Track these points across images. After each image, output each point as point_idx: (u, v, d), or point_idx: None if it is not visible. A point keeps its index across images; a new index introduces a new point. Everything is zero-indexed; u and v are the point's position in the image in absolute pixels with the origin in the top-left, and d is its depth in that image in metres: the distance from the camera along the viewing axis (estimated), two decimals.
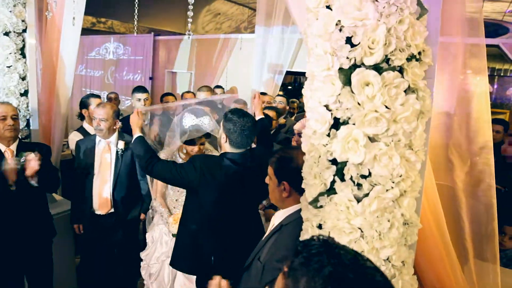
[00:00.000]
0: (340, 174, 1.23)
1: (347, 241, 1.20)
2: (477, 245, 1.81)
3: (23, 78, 3.09)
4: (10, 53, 2.98)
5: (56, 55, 3.47)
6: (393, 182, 1.20)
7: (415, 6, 1.19)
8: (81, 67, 8.14)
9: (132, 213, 3.11)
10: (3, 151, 2.56)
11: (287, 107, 4.89)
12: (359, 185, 1.21)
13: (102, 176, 2.99)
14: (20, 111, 3.05)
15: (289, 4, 1.87)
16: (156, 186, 2.86)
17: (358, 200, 1.20)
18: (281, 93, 5.50)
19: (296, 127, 3.31)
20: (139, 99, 3.89)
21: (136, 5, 3.50)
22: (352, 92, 1.18)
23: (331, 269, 0.70)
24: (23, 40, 3.09)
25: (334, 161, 1.24)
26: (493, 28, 7.16)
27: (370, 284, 0.70)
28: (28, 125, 3.17)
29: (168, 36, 7.90)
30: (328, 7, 1.24)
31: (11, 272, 2.60)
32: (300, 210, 1.44)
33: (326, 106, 1.24)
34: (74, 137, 3.45)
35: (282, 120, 4.48)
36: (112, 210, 3.02)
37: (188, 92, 5.48)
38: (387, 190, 1.20)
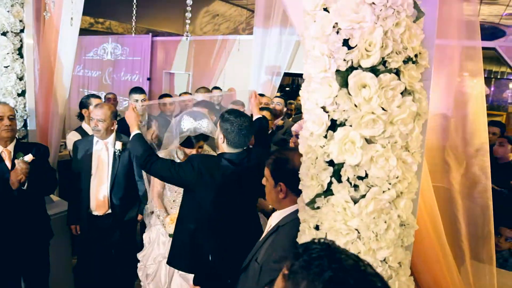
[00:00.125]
0: (337, 175, 1.24)
1: (344, 242, 1.21)
2: (473, 247, 1.82)
3: (21, 78, 3.09)
4: (8, 53, 2.98)
5: (54, 55, 3.47)
6: (390, 184, 1.21)
7: (412, 9, 1.20)
8: (78, 67, 8.12)
9: (130, 214, 3.10)
10: (0, 151, 2.56)
11: (285, 109, 4.90)
12: (356, 187, 1.21)
13: (99, 177, 2.98)
14: (17, 111, 3.04)
15: (286, 7, 1.88)
16: (153, 187, 2.86)
17: (355, 201, 1.21)
18: (278, 94, 5.52)
19: (294, 128, 3.32)
20: (137, 100, 3.89)
21: (134, 6, 3.51)
22: (349, 94, 1.19)
23: (332, 273, 0.70)
24: (21, 40, 3.09)
25: (331, 163, 1.25)
26: (490, 31, 7.20)
27: None
28: (25, 125, 3.16)
29: (166, 37, 7.90)
30: (325, 9, 1.25)
31: (8, 273, 2.59)
32: (296, 211, 1.45)
33: (323, 108, 1.25)
34: (73, 137, 3.45)
35: (279, 122, 4.49)
36: (109, 210, 3.02)
37: (186, 93, 5.48)
38: (383, 192, 1.21)
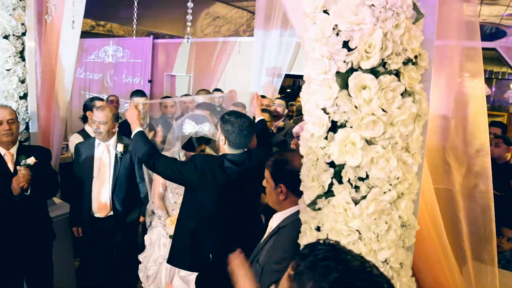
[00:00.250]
0: (337, 176, 1.24)
1: (345, 243, 1.21)
2: (475, 247, 1.82)
3: (22, 81, 3.10)
4: (10, 56, 3.00)
5: (56, 58, 3.49)
6: (391, 185, 1.22)
7: (411, 11, 1.20)
8: (80, 70, 8.14)
9: (131, 216, 3.11)
10: (2, 154, 2.57)
11: (286, 110, 4.91)
12: (356, 188, 1.22)
13: (101, 179, 2.99)
14: (19, 114, 3.06)
15: (286, 9, 1.89)
16: (155, 189, 2.87)
17: (356, 202, 1.21)
18: (278, 96, 5.52)
19: (295, 130, 3.33)
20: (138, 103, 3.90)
21: (135, 8, 3.52)
22: (349, 95, 1.19)
23: (338, 275, 0.69)
24: (23, 43, 3.10)
25: (331, 164, 1.26)
26: (491, 32, 7.20)
27: None
28: (27, 128, 3.18)
29: (167, 39, 7.91)
30: (325, 11, 1.25)
31: (11, 275, 2.60)
32: (297, 212, 1.45)
33: (324, 109, 1.25)
34: (75, 139, 3.48)
35: (280, 123, 4.50)
36: (111, 213, 3.03)
37: (187, 95, 5.50)
38: (384, 193, 1.21)
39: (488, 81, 8.47)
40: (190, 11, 2.68)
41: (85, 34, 8.07)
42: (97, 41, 8.07)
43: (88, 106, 3.73)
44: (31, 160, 2.45)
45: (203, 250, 2.22)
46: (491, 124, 4.19)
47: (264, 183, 1.66)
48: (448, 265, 1.65)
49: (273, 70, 5.35)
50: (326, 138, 1.25)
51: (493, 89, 8.79)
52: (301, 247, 1.35)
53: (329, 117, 1.24)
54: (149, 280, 2.68)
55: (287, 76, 5.68)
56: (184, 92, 6.78)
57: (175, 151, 2.78)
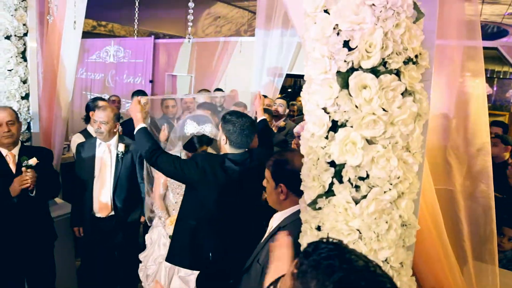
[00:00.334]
0: (338, 176, 1.24)
1: (345, 243, 1.21)
2: (475, 247, 1.82)
3: (24, 82, 3.11)
4: (11, 57, 3.00)
5: (57, 59, 3.50)
6: (391, 184, 1.22)
7: (412, 10, 1.20)
8: (81, 70, 8.16)
9: (132, 216, 3.12)
10: (4, 155, 2.57)
11: (287, 110, 4.91)
12: (357, 187, 1.22)
13: (102, 179, 3.00)
14: (21, 115, 3.07)
15: (287, 8, 1.89)
16: (156, 189, 2.87)
17: (356, 202, 1.22)
18: (279, 96, 5.52)
19: (296, 129, 3.34)
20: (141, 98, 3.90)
21: (137, 9, 3.52)
22: (350, 95, 1.19)
23: (342, 274, 0.69)
24: (24, 44, 3.11)
25: (332, 164, 1.26)
26: (492, 31, 7.18)
27: None
28: (28, 128, 3.19)
29: (168, 40, 7.92)
30: (325, 11, 1.25)
31: (13, 276, 2.60)
32: (297, 212, 1.45)
33: (324, 109, 1.25)
34: (77, 139, 3.51)
35: (281, 123, 4.50)
36: (112, 212, 3.04)
37: (187, 95, 5.51)
38: (385, 192, 1.21)
39: (490, 80, 8.46)
40: (191, 11, 2.69)
41: (86, 35, 8.09)
42: (99, 41, 8.09)
43: (90, 107, 3.74)
44: (33, 161, 2.45)
45: (203, 249, 2.23)
46: (492, 123, 4.18)
47: (264, 183, 1.66)
48: (448, 265, 1.65)
49: (274, 70, 5.35)
50: (326, 137, 1.26)
51: (495, 89, 8.78)
52: (302, 246, 1.35)
53: (329, 116, 1.24)
54: (148, 280, 2.69)
55: (288, 76, 5.69)
56: (185, 92, 6.80)
57: (177, 151, 2.79)
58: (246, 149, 2.24)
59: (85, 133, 3.67)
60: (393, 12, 1.17)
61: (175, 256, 2.34)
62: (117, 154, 3.01)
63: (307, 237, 1.33)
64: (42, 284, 2.80)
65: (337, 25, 1.22)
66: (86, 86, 8.19)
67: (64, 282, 3.21)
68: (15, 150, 2.61)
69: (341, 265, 0.71)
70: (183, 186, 2.55)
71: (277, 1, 5.01)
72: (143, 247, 2.96)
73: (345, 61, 1.20)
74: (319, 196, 1.28)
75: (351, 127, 1.20)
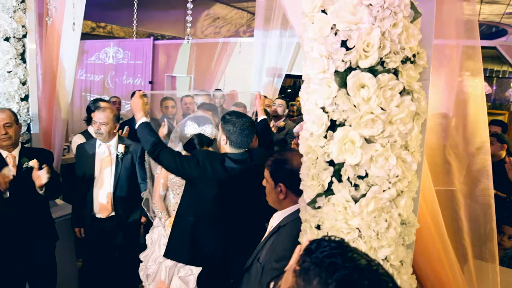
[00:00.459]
0: (337, 175, 1.25)
1: None
2: (476, 245, 1.82)
3: (24, 83, 3.11)
4: (11, 58, 3.01)
5: (56, 60, 3.50)
6: (390, 183, 1.22)
7: (409, 10, 1.21)
8: (81, 71, 8.17)
9: (133, 216, 3.12)
10: (4, 156, 2.57)
11: (286, 110, 4.92)
12: (356, 186, 1.22)
13: (102, 180, 3.00)
14: (20, 116, 3.07)
15: (286, 9, 1.89)
16: (156, 190, 2.88)
17: (356, 200, 1.22)
18: (277, 96, 5.53)
19: (296, 129, 3.34)
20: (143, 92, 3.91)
21: (135, 10, 3.53)
22: (348, 94, 1.20)
23: (345, 272, 0.69)
24: (24, 45, 3.12)
25: (331, 163, 1.26)
26: (491, 31, 7.19)
27: None
28: (28, 129, 3.19)
29: (168, 41, 7.94)
30: (323, 11, 1.26)
31: (14, 277, 2.60)
32: (297, 211, 1.46)
33: (323, 108, 1.26)
34: (78, 140, 3.52)
35: (281, 123, 4.50)
36: (113, 213, 3.04)
37: (187, 96, 5.51)
38: (384, 191, 1.22)
39: (489, 79, 8.47)
40: (190, 12, 2.69)
41: (85, 36, 8.10)
42: (98, 43, 8.10)
43: (91, 108, 3.75)
44: (34, 163, 2.45)
45: (201, 245, 2.23)
46: (491, 122, 4.19)
47: (264, 182, 1.66)
48: (449, 263, 1.65)
49: (273, 70, 5.36)
50: (325, 137, 1.26)
51: (494, 88, 8.79)
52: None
53: (328, 116, 1.25)
54: (149, 279, 2.69)
55: (287, 76, 5.70)
56: (185, 93, 6.80)
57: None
58: (246, 149, 2.25)
59: (86, 134, 3.68)
60: (390, 12, 1.17)
61: (173, 252, 2.35)
62: (117, 155, 3.01)
63: (307, 236, 1.33)
64: (44, 286, 2.80)
65: (334, 25, 1.22)
66: (85, 87, 8.21)
67: (65, 283, 3.21)
68: (15, 152, 2.61)
69: (344, 263, 0.71)
70: (183, 187, 2.55)
71: (275, 2, 5.02)
72: (143, 247, 2.96)
73: (343, 60, 1.20)
74: (319, 195, 1.28)
75: (350, 126, 1.20)
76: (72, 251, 3.43)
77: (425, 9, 1.30)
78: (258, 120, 2.78)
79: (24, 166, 2.43)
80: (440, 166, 1.86)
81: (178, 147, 2.75)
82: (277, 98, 4.97)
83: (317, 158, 1.29)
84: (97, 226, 3.03)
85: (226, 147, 2.22)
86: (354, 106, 1.19)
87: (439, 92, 1.98)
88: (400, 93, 1.21)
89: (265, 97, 4.78)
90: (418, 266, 1.59)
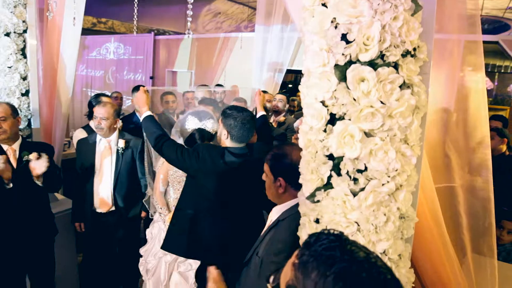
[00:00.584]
0: (336, 169, 1.25)
1: None
2: (474, 240, 1.82)
3: (24, 78, 3.12)
4: (11, 54, 3.01)
5: (57, 55, 3.50)
6: (389, 177, 1.22)
7: (410, 3, 1.20)
8: (82, 67, 8.17)
9: (133, 211, 3.13)
10: (5, 149, 2.58)
11: (287, 105, 4.91)
12: (355, 180, 1.22)
13: (102, 175, 3.01)
14: (21, 111, 3.08)
15: (287, 3, 1.89)
16: (156, 185, 2.88)
17: (355, 194, 1.22)
18: (278, 91, 5.52)
19: (296, 124, 3.34)
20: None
21: (136, 5, 3.52)
22: (348, 88, 1.20)
23: (344, 265, 0.70)
24: (24, 41, 3.12)
25: (330, 156, 1.26)
26: (493, 26, 7.15)
27: (383, 284, 0.69)
28: (29, 124, 3.20)
29: (169, 36, 7.92)
30: (323, 4, 1.25)
31: (13, 271, 2.61)
32: (296, 205, 1.46)
33: (322, 102, 1.26)
34: (80, 134, 3.53)
35: (281, 118, 4.50)
36: (113, 208, 3.05)
37: (189, 91, 5.51)
38: (383, 184, 1.21)
39: (491, 75, 8.44)
40: (190, 6, 2.69)
41: (86, 31, 8.09)
42: (99, 38, 8.09)
43: (93, 103, 3.75)
44: (34, 156, 2.46)
45: (200, 238, 2.25)
46: (492, 118, 4.18)
47: (263, 176, 1.67)
48: (447, 257, 1.66)
49: (274, 65, 5.35)
50: (325, 130, 1.26)
51: (496, 83, 8.76)
52: (301, 239, 1.36)
53: (327, 109, 1.24)
54: (148, 274, 2.70)
55: (288, 71, 5.69)
56: (185, 88, 6.80)
57: None
58: (246, 144, 2.26)
59: (87, 128, 3.68)
60: (390, 5, 1.17)
61: (171, 244, 2.36)
62: (117, 150, 3.02)
63: (305, 230, 1.33)
64: (43, 279, 2.82)
65: (335, 18, 1.21)
66: (86, 82, 8.21)
67: (66, 277, 3.23)
68: (16, 145, 2.62)
69: (343, 256, 0.71)
70: (183, 182, 2.56)
71: None
72: (144, 242, 2.97)
73: (343, 54, 1.20)
74: (318, 189, 1.28)
75: (349, 120, 1.20)
76: (73, 246, 3.45)
77: (426, 2, 1.29)
78: (258, 116, 2.79)
79: (24, 159, 2.44)
80: (440, 160, 1.86)
81: (179, 142, 2.75)
82: (278, 93, 4.96)
83: (317, 152, 1.29)
84: (98, 221, 3.05)
85: (226, 142, 2.23)
86: (354, 99, 1.19)
87: (440, 86, 1.98)
88: (400, 86, 1.21)
89: (266, 92, 4.79)
90: (417, 260, 1.59)
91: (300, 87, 1.39)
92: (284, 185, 1.56)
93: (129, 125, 3.82)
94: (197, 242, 2.26)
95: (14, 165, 2.55)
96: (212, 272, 1.66)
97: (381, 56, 1.19)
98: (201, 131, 2.63)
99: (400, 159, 1.22)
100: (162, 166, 2.81)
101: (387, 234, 1.22)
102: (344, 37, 1.20)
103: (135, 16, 3.58)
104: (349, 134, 1.20)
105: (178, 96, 4.68)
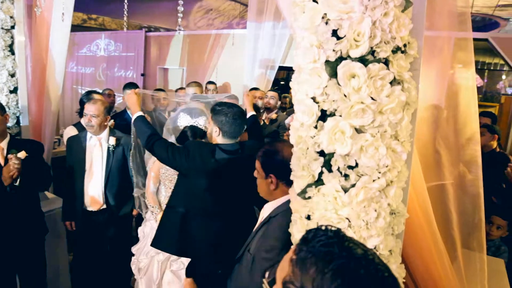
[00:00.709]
0: (327, 165, 1.24)
1: None
2: (464, 235, 1.84)
3: (13, 75, 3.07)
4: None
5: (46, 52, 3.45)
6: (380, 173, 1.22)
7: None
8: (72, 64, 8.07)
9: (124, 209, 3.11)
10: None
11: (279, 102, 4.91)
12: (346, 176, 1.22)
13: (93, 173, 2.98)
14: (9, 109, 3.03)
15: (278, 0, 1.88)
16: (148, 184, 2.86)
17: (346, 190, 1.22)
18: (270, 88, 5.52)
19: (287, 121, 3.34)
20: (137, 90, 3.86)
21: (126, 1, 3.49)
22: (339, 84, 1.19)
23: (342, 261, 0.70)
24: (12, 37, 3.07)
25: (321, 153, 1.26)
26: (483, 23, 7.22)
27: (380, 281, 0.70)
28: (18, 122, 3.15)
29: (160, 33, 7.86)
30: (314, 0, 1.25)
31: (3, 271, 2.58)
32: (288, 201, 1.46)
33: (313, 98, 1.25)
34: (70, 132, 3.49)
35: (273, 115, 4.50)
36: (104, 206, 3.03)
37: (181, 88, 5.48)
38: (373, 181, 1.22)
39: (481, 72, 8.53)
40: (181, 2, 2.68)
41: (76, 28, 8.00)
42: (89, 35, 8.00)
43: (84, 100, 3.70)
44: (22, 154, 2.43)
45: (191, 235, 2.24)
46: (481, 114, 4.22)
47: (255, 173, 1.67)
48: (438, 253, 1.67)
49: (266, 62, 5.35)
50: (315, 127, 1.26)
51: (485, 80, 8.86)
52: (292, 235, 1.36)
53: (318, 106, 1.24)
54: (141, 273, 2.69)
55: (281, 68, 5.68)
56: (177, 85, 6.76)
57: None
58: (238, 141, 2.25)
59: (78, 126, 3.63)
60: (381, 1, 1.17)
61: (161, 242, 2.36)
62: (108, 148, 2.99)
63: (297, 227, 1.33)
64: (34, 278, 2.79)
65: (325, 14, 1.21)
66: (77, 80, 8.12)
67: (57, 277, 3.20)
68: (4, 143, 2.58)
69: (341, 253, 0.71)
70: (174, 181, 2.55)
71: None
72: (135, 240, 2.95)
73: (333, 50, 1.19)
74: (309, 185, 1.28)
75: (340, 116, 1.20)
76: (64, 245, 3.41)
77: None
78: (247, 116, 2.79)
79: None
80: (430, 157, 1.87)
81: (171, 140, 2.74)
82: (270, 90, 4.95)
83: (308, 148, 1.29)
84: (89, 219, 3.02)
85: (218, 139, 2.22)
86: (345, 96, 1.19)
87: (431, 83, 1.99)
88: (391, 83, 1.21)
89: (258, 89, 4.78)
90: (407, 256, 1.60)
91: (291, 84, 1.38)
92: (275, 182, 1.56)
93: (121, 122, 3.78)
94: (188, 240, 2.25)
95: (2, 163, 2.51)
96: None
97: (372, 52, 1.19)
98: (193, 128, 2.62)
99: (391, 155, 1.23)
100: (153, 164, 2.79)
101: (378, 230, 1.22)
102: (334, 33, 1.20)
103: (126, 12, 3.54)
104: (340, 131, 1.20)
105: (169, 94, 4.65)
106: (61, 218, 3.14)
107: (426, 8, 1.40)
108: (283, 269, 0.77)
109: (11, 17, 3.03)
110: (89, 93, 3.80)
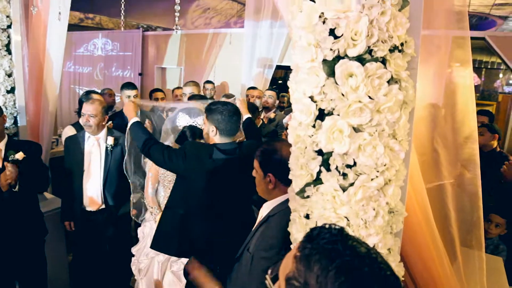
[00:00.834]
0: (326, 164, 1.24)
1: None
2: (463, 233, 1.85)
3: (9, 75, 3.06)
4: None
5: (43, 51, 3.44)
6: (378, 171, 1.22)
7: None
8: (69, 63, 8.05)
9: (123, 209, 3.10)
10: None
11: (277, 101, 4.91)
12: (344, 175, 1.22)
13: (92, 173, 2.98)
14: (6, 109, 3.03)
15: None
16: (147, 185, 2.85)
17: (344, 189, 1.22)
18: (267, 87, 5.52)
19: (285, 120, 3.34)
20: (129, 96, 3.87)
21: (123, 0, 3.48)
22: (336, 83, 1.19)
23: (346, 259, 0.70)
24: (9, 36, 3.06)
25: (320, 152, 1.26)
26: (480, 22, 7.23)
27: (383, 279, 0.70)
28: (15, 122, 3.14)
29: (157, 32, 7.84)
30: None
31: (3, 272, 2.56)
32: (286, 201, 1.46)
33: (311, 98, 1.25)
34: (69, 131, 3.47)
35: (271, 115, 4.50)
36: (103, 206, 3.02)
37: (178, 88, 5.46)
38: (372, 179, 1.22)
39: (478, 70, 8.56)
40: (178, 1, 2.67)
41: (73, 27, 7.97)
42: (86, 34, 7.98)
43: (83, 100, 3.69)
44: (20, 155, 2.42)
45: (191, 236, 2.24)
46: (478, 113, 4.22)
47: (253, 173, 1.67)
48: (436, 251, 1.67)
49: (264, 61, 5.34)
50: (313, 126, 1.26)
51: (483, 79, 8.88)
52: (291, 234, 1.36)
53: (316, 105, 1.24)
54: (141, 274, 2.68)
55: (278, 67, 5.68)
56: (175, 84, 6.74)
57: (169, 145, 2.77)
58: (235, 141, 2.25)
59: (77, 125, 3.62)
60: (378, 0, 1.17)
61: (160, 243, 2.35)
62: (106, 147, 2.99)
63: (296, 226, 1.33)
64: (34, 280, 2.77)
65: (323, 13, 1.21)
66: (74, 79, 8.09)
67: (56, 277, 3.19)
68: (1, 144, 2.57)
69: (345, 251, 0.72)
70: (173, 181, 2.54)
71: None
72: (135, 240, 2.95)
73: (331, 49, 1.19)
74: (307, 184, 1.28)
75: (338, 115, 1.20)
76: (63, 245, 3.41)
77: None
78: (243, 119, 2.79)
79: (10, 158, 2.39)
80: (428, 155, 1.88)
81: (170, 140, 2.73)
82: (267, 89, 4.95)
83: (306, 147, 1.29)
84: (87, 220, 3.01)
85: (215, 138, 2.21)
86: (342, 95, 1.19)
87: (428, 82, 1.99)
88: (388, 82, 1.21)
89: (255, 88, 4.78)
90: (406, 254, 1.61)
91: (289, 83, 1.38)
92: (274, 181, 1.56)
93: (119, 121, 3.77)
94: (188, 240, 2.25)
95: (0, 164, 2.50)
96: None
97: (369, 51, 1.19)
98: (192, 128, 2.61)
99: (389, 154, 1.23)
100: (152, 165, 2.78)
101: (376, 228, 1.22)
102: (332, 32, 1.20)
103: (122, 11, 3.53)
104: (338, 130, 1.20)
105: (167, 93, 4.65)
106: (59, 219, 3.13)
107: (423, 6, 1.41)
108: (287, 265, 0.78)
109: (8, 16, 3.02)
110: (88, 93, 3.78)
